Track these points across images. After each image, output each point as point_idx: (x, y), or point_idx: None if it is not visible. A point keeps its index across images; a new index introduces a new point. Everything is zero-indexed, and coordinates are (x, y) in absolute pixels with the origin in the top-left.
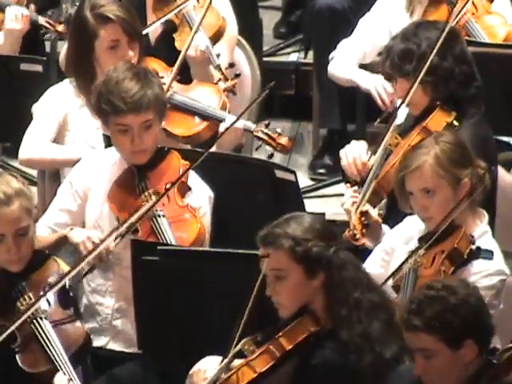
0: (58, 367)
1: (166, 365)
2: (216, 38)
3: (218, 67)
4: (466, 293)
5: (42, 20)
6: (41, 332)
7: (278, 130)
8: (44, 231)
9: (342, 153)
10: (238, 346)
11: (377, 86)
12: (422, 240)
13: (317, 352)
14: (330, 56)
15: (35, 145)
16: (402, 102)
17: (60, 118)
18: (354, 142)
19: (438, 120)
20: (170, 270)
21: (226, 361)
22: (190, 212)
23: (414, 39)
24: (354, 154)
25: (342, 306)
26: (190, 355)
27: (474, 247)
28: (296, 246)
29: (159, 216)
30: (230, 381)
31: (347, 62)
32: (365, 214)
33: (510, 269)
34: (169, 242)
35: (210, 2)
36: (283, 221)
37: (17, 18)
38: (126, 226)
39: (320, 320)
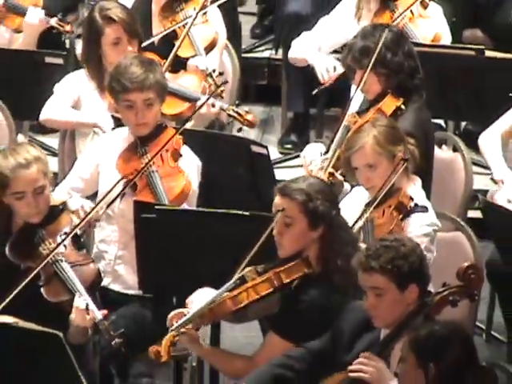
0: (78, 295)
1: (162, 304)
2: (210, 47)
3: (210, 75)
4: (412, 245)
5: (52, 21)
6: (61, 270)
7: (246, 109)
8: (62, 194)
9: (302, 155)
10: (243, 272)
11: (321, 65)
12: (368, 205)
13: (306, 290)
14: (292, 43)
15: (54, 108)
16: (357, 88)
17: (75, 96)
18: (311, 145)
19: (389, 104)
20: (164, 225)
21: (230, 282)
22: (178, 171)
23: (371, 38)
24: (310, 157)
25: (337, 257)
26: (182, 296)
27: (412, 204)
28: (308, 201)
29: (153, 172)
30: (237, 298)
31: (304, 46)
32: (331, 175)
33: (443, 225)
34: (159, 192)
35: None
36: (300, 178)
37: (35, 17)
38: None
39: (311, 265)
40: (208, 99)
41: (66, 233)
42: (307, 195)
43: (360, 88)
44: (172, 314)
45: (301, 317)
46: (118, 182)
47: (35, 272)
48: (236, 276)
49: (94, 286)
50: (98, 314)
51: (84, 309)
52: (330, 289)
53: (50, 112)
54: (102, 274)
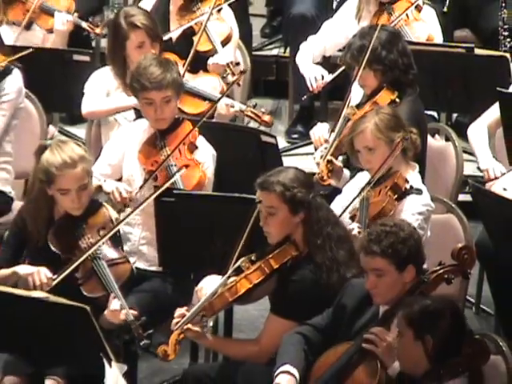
0: (111, 293)
1: (180, 278)
2: (226, 41)
3: (228, 65)
4: (410, 230)
5: (84, 24)
6: (98, 267)
7: (263, 110)
8: (94, 179)
9: (311, 132)
10: (238, 263)
11: (310, 75)
12: (367, 183)
13: (296, 271)
14: (300, 47)
15: (92, 101)
16: (354, 80)
17: (104, 91)
18: (319, 124)
19: (385, 97)
20: (182, 208)
21: (226, 275)
22: (194, 163)
23: (368, 37)
24: (319, 133)
25: (317, 237)
26: (198, 271)
27: (408, 186)
28: (285, 191)
29: (172, 165)
30: (233, 289)
31: (305, 55)
32: (330, 162)
33: (436, 208)
34: (178, 184)
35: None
36: (276, 172)
37: (63, 21)
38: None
39: (299, 247)
40: (220, 98)
41: (106, 231)
42: (284, 185)
43: (357, 82)
44: (176, 314)
45: (294, 296)
46: (147, 181)
47: (75, 265)
48: (231, 268)
49: (128, 284)
50: (130, 316)
51: (118, 309)
52: (317, 267)
53: (90, 106)
54: (128, 255)
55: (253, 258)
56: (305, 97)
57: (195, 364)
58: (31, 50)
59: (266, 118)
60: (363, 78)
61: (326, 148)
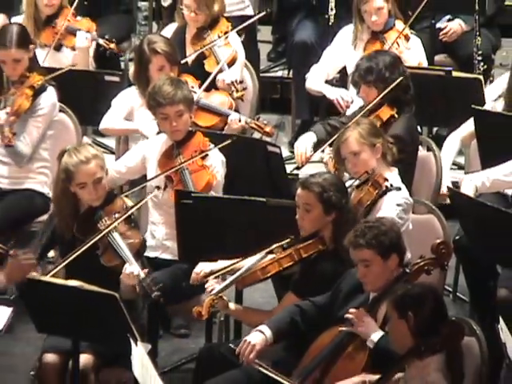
0: (126, 261)
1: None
2: (232, 62)
3: (232, 82)
4: (390, 224)
5: (101, 41)
6: (113, 241)
7: (265, 122)
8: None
9: (295, 146)
10: (272, 247)
11: (337, 96)
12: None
13: (321, 262)
14: (306, 76)
15: (108, 120)
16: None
17: (129, 108)
18: (304, 136)
19: (385, 112)
20: (199, 209)
21: (260, 255)
22: (204, 168)
23: (374, 60)
24: (302, 149)
25: (344, 236)
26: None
27: (388, 184)
28: (323, 192)
29: (184, 169)
30: (265, 269)
31: (317, 80)
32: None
33: (419, 209)
34: (189, 186)
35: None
36: (317, 174)
37: (84, 39)
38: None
39: (326, 243)
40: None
41: (119, 212)
42: (322, 187)
43: (361, 98)
44: (211, 278)
45: (315, 284)
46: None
47: (94, 240)
48: (265, 250)
49: (140, 252)
50: (141, 273)
51: (131, 271)
52: (339, 262)
53: (105, 123)
54: (153, 249)
55: (284, 245)
56: (340, 116)
57: (210, 343)
58: (67, 69)
59: (268, 128)
60: (367, 94)
61: (330, 151)
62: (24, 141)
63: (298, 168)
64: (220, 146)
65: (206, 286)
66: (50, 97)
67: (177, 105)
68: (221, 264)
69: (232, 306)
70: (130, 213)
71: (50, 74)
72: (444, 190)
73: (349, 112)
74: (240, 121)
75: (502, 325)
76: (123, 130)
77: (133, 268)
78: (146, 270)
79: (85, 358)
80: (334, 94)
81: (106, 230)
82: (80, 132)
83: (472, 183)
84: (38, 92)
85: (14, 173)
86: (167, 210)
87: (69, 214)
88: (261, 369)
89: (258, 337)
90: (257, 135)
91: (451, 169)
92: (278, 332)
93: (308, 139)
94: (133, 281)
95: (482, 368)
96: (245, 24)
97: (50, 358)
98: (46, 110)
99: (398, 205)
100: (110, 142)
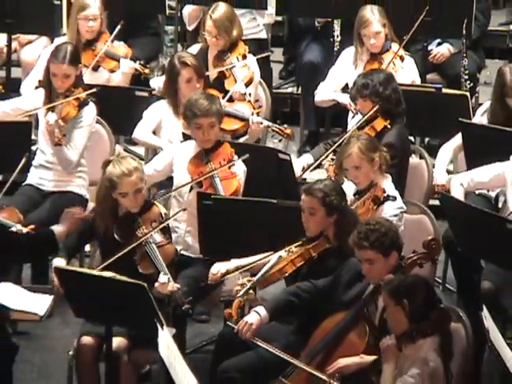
0: (161, 271)
1: (215, 262)
2: (248, 83)
3: (249, 101)
4: (388, 225)
5: (136, 65)
6: (150, 250)
7: (285, 125)
8: None
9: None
10: (285, 249)
11: (349, 101)
12: (356, 194)
13: (328, 259)
14: (315, 93)
15: (140, 132)
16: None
17: (158, 119)
18: (298, 160)
19: (380, 123)
20: (219, 210)
21: (275, 259)
22: (232, 176)
23: (369, 77)
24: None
25: (346, 234)
26: (229, 257)
27: (385, 194)
28: (325, 197)
29: (215, 177)
30: (282, 270)
31: (326, 93)
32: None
33: (412, 210)
34: (219, 191)
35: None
36: (319, 181)
37: (127, 67)
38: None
39: (330, 241)
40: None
41: (155, 221)
42: (324, 193)
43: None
44: (237, 284)
45: (323, 277)
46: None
47: (131, 247)
48: (278, 254)
49: (174, 262)
50: (175, 287)
51: (166, 282)
52: (343, 258)
53: (136, 134)
54: (175, 244)
55: (294, 247)
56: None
57: (228, 327)
58: (106, 87)
59: (288, 131)
60: (363, 107)
61: (331, 158)
62: (71, 149)
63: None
64: (242, 158)
65: (234, 290)
66: (91, 110)
67: (210, 117)
68: (234, 263)
69: (258, 297)
70: (166, 223)
71: (93, 92)
72: (438, 182)
73: (350, 125)
74: (262, 123)
75: (485, 313)
76: (149, 144)
77: (166, 279)
78: (179, 285)
79: (117, 341)
80: (345, 99)
81: (144, 238)
82: (113, 141)
83: (461, 188)
84: (82, 104)
85: (57, 177)
86: (190, 210)
87: (108, 216)
88: (258, 343)
89: (254, 317)
90: (276, 139)
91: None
92: (273, 311)
93: (301, 161)
94: (165, 291)
95: (468, 350)
96: (261, 55)
97: (87, 340)
98: (90, 122)
99: (395, 215)
100: (140, 150)
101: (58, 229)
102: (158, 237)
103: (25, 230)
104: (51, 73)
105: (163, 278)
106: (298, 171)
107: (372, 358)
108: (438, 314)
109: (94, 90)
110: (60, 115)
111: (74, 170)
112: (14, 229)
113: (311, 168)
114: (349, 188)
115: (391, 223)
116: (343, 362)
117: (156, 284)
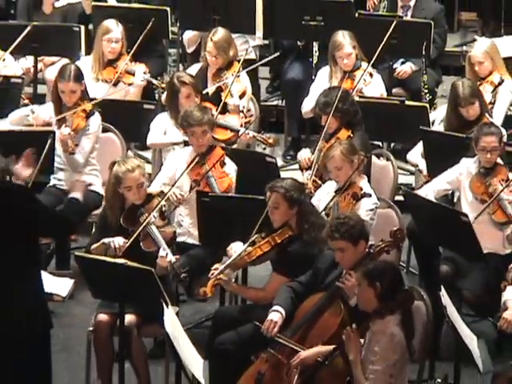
0: (161, 248)
1: (212, 248)
2: (242, 95)
3: (242, 112)
4: (357, 217)
5: (155, 81)
6: (151, 232)
7: (268, 135)
8: (155, 187)
9: (298, 155)
10: (253, 238)
11: None
12: (337, 191)
13: (291, 245)
14: (302, 107)
15: (153, 137)
16: (324, 126)
17: (163, 129)
18: (303, 150)
19: (344, 134)
20: (215, 205)
21: (245, 245)
22: (225, 174)
23: (329, 95)
24: (304, 156)
25: (305, 224)
26: (225, 245)
27: (362, 192)
28: (286, 192)
29: (210, 176)
30: (250, 254)
31: (309, 106)
32: (314, 181)
33: (380, 204)
34: (215, 188)
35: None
36: (280, 179)
37: (141, 79)
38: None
39: (293, 230)
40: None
41: (155, 208)
42: (285, 189)
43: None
44: (212, 268)
45: (290, 261)
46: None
47: (138, 231)
48: (249, 241)
49: (172, 241)
50: (173, 258)
51: (164, 255)
52: (304, 243)
53: (150, 140)
54: (181, 235)
55: (262, 235)
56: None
57: (223, 306)
58: (121, 101)
59: (271, 140)
60: (327, 122)
61: (309, 174)
62: (80, 154)
63: (302, 170)
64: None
65: (210, 273)
66: (97, 119)
67: (203, 125)
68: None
69: (234, 284)
70: (160, 209)
71: (96, 103)
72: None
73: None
74: (248, 134)
75: (443, 292)
76: (166, 143)
77: (165, 253)
78: (177, 256)
79: (129, 318)
80: None
81: (145, 223)
82: (125, 147)
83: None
84: (88, 115)
85: (71, 176)
86: (192, 205)
87: (117, 209)
88: (280, 340)
89: (277, 316)
90: (261, 147)
91: (404, 174)
92: (287, 309)
93: (306, 151)
94: (165, 263)
95: (428, 325)
96: (252, 66)
97: (103, 317)
98: (95, 129)
99: (370, 210)
100: (148, 154)
101: (76, 195)
102: (158, 221)
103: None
104: (59, 90)
105: (162, 252)
106: (307, 155)
107: (330, 347)
108: (403, 294)
109: (98, 100)
110: (72, 127)
111: (81, 169)
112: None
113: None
114: (331, 186)
115: (359, 217)
116: (304, 354)
117: (158, 259)
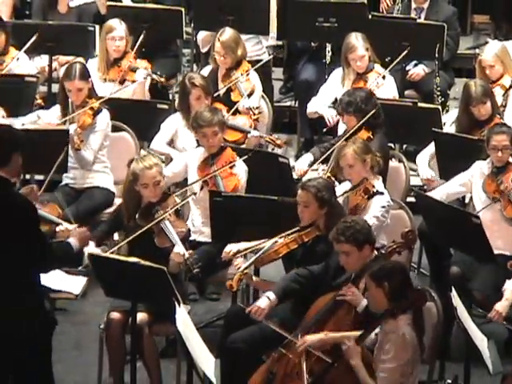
0: (175, 243)
1: (224, 246)
2: (250, 93)
3: (251, 109)
4: (362, 222)
5: (155, 76)
6: (165, 228)
7: (277, 136)
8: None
9: (296, 164)
10: (282, 234)
11: (327, 114)
12: (349, 190)
13: (318, 244)
14: (307, 105)
15: (156, 144)
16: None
17: (173, 130)
18: (301, 159)
19: (363, 134)
20: (227, 205)
21: (272, 241)
22: (232, 175)
23: (352, 95)
24: (299, 166)
25: (334, 225)
26: (236, 242)
27: (375, 190)
28: (317, 192)
29: (217, 176)
30: (277, 251)
31: (313, 106)
32: (329, 177)
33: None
34: (221, 188)
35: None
36: (313, 178)
37: (142, 75)
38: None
39: (321, 230)
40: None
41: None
42: (317, 188)
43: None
44: (238, 261)
45: (315, 261)
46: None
47: (152, 223)
48: (275, 238)
49: (185, 237)
50: (186, 254)
51: (178, 251)
52: (331, 244)
53: (153, 145)
54: (192, 233)
55: (289, 233)
56: (325, 129)
57: (235, 305)
58: (112, 97)
59: (279, 141)
60: (348, 121)
61: (323, 170)
62: (88, 151)
63: (298, 179)
64: (242, 158)
65: (234, 264)
66: (105, 117)
67: (213, 126)
68: (244, 245)
69: (254, 278)
70: (176, 207)
71: (105, 100)
72: (424, 177)
73: (340, 131)
74: (257, 136)
75: (453, 293)
76: (163, 153)
77: (179, 249)
78: (191, 251)
79: (141, 316)
80: (325, 112)
81: (160, 218)
82: (138, 145)
83: None
84: (96, 113)
85: (81, 174)
86: (204, 205)
87: (133, 206)
88: (268, 324)
89: (265, 301)
90: (270, 147)
91: (416, 176)
92: (280, 295)
93: (305, 159)
94: (179, 259)
95: (438, 325)
96: (259, 64)
97: (115, 315)
98: (103, 127)
99: (382, 207)
100: None
101: (73, 242)
102: (173, 218)
103: (70, 226)
104: (66, 89)
105: (177, 248)
106: (303, 168)
107: (336, 334)
108: (415, 293)
109: (105, 98)
110: (78, 124)
111: (90, 167)
112: (60, 227)
113: (313, 166)
114: (346, 186)
115: (365, 222)
116: (309, 338)
117: (171, 255)
